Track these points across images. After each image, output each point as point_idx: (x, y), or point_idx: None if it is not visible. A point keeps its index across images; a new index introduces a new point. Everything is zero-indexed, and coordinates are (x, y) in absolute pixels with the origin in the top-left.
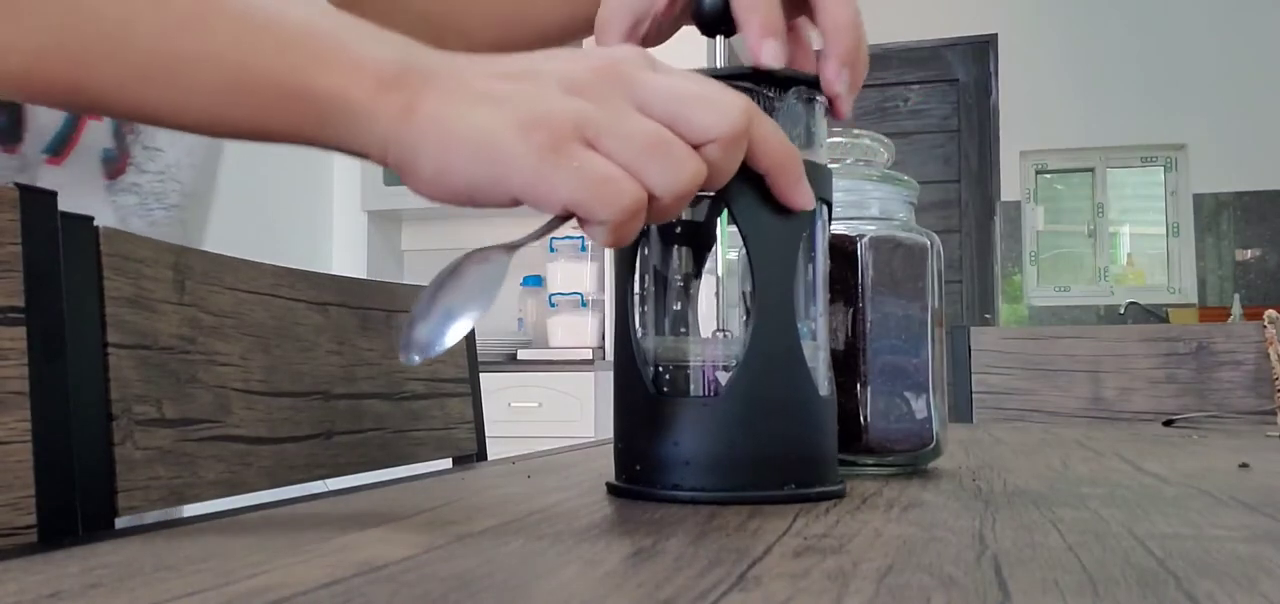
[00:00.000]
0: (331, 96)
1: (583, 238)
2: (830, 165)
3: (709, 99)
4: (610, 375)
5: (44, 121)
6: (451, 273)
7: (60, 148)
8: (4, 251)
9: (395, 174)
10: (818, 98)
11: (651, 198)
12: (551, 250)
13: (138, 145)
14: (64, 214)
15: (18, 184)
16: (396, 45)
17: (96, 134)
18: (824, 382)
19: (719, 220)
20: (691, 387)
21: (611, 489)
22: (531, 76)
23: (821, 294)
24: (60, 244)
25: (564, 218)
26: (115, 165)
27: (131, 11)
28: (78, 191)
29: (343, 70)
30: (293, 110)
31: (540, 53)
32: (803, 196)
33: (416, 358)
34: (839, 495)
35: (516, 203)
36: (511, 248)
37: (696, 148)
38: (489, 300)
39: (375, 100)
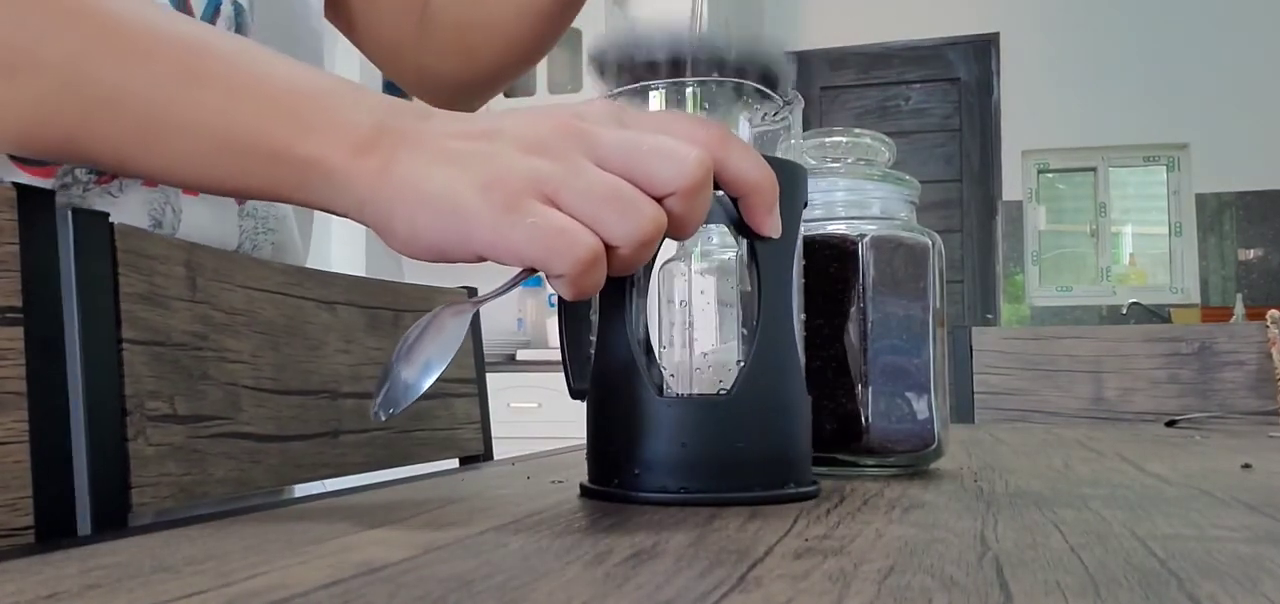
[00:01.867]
0: (309, 161)
1: None
2: (830, 164)
3: (666, 152)
4: None
5: None
6: (430, 324)
7: None
8: (2, 251)
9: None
10: (789, 98)
11: (611, 249)
12: None
13: None
14: (77, 210)
15: (15, 183)
16: (375, 106)
17: None
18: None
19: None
20: (694, 388)
21: (590, 494)
22: (494, 136)
23: (798, 295)
24: (57, 244)
25: (529, 271)
26: None
27: (124, 77)
28: (212, 216)
29: (320, 136)
30: (273, 173)
31: (506, 112)
32: (771, 226)
33: (389, 412)
34: (815, 494)
35: (482, 259)
36: (480, 302)
37: (660, 200)
38: (454, 350)
39: (351, 164)
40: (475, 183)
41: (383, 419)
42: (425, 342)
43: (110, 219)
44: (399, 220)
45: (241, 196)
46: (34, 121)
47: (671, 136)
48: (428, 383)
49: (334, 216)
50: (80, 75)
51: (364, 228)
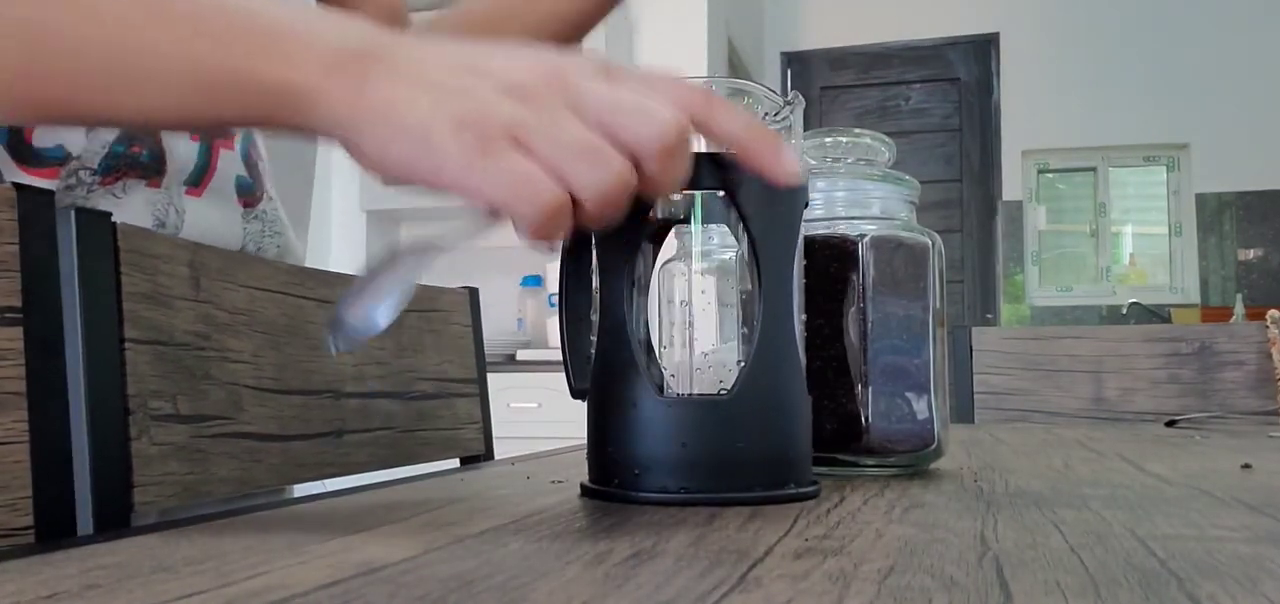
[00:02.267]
0: (278, 84)
1: None
2: (830, 164)
3: (644, 110)
4: None
5: (182, 158)
6: (387, 263)
7: (199, 179)
8: (2, 251)
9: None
10: (789, 100)
11: (578, 202)
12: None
13: (266, 177)
14: (80, 210)
15: (15, 183)
16: (357, 32)
17: (229, 164)
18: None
19: (693, 222)
20: (694, 388)
21: (590, 494)
22: (477, 73)
23: (798, 295)
24: (57, 244)
25: (494, 215)
26: (253, 195)
27: (82, 27)
28: (217, 219)
29: (287, 58)
30: (243, 100)
31: (493, 47)
32: (786, 169)
33: (342, 347)
34: (815, 494)
35: (447, 191)
36: (443, 244)
37: (639, 162)
38: (411, 293)
39: (322, 84)
40: (451, 119)
41: (338, 351)
42: (381, 279)
43: (113, 218)
44: (369, 142)
45: (219, 129)
46: (7, 86)
47: (654, 96)
48: (381, 320)
49: (334, 217)
50: (39, 31)
51: (363, 228)
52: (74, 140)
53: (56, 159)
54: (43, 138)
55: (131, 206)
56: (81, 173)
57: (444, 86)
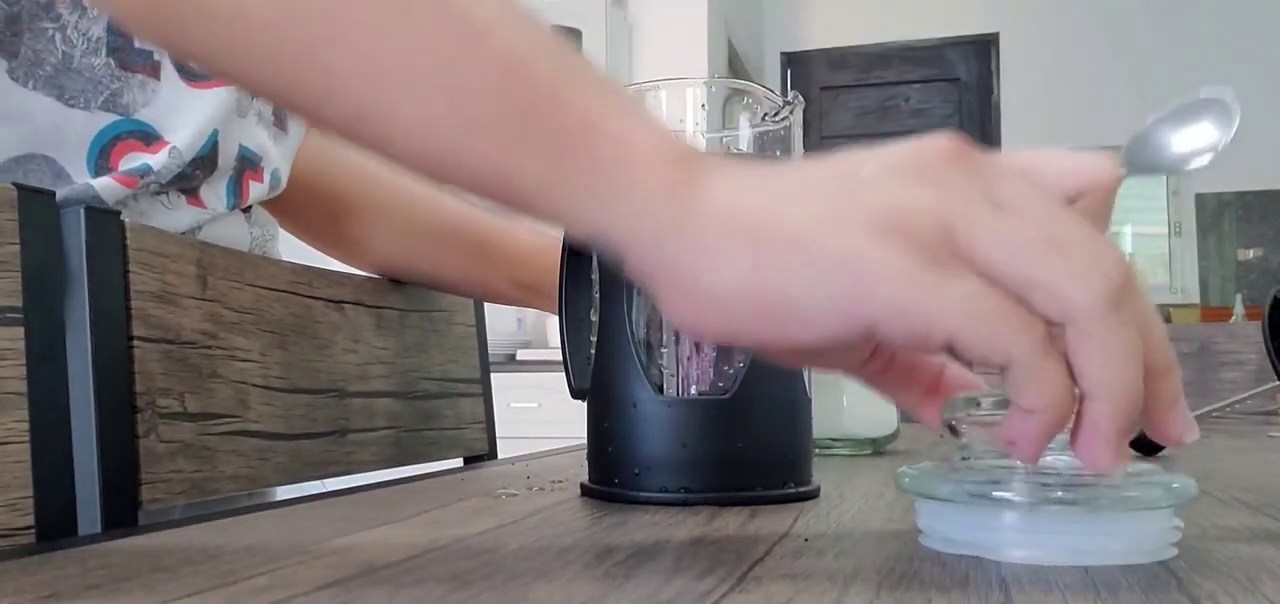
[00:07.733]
0: (617, 141)
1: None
2: None
3: (1087, 242)
4: None
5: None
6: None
7: (235, 202)
8: (2, 251)
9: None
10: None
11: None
12: None
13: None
14: (90, 209)
15: (15, 183)
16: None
17: (257, 192)
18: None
19: None
20: (694, 388)
21: (590, 494)
22: (850, 166)
23: None
24: (59, 243)
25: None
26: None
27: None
28: (228, 227)
29: (628, 120)
30: (568, 153)
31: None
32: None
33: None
34: (815, 494)
35: (866, 338)
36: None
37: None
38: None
39: (653, 169)
40: (863, 220)
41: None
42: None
43: (122, 217)
44: (725, 257)
45: (482, 191)
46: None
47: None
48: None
49: None
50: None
51: None
52: (157, 159)
53: (138, 174)
54: (130, 161)
55: (170, 214)
56: (152, 184)
57: (815, 184)
